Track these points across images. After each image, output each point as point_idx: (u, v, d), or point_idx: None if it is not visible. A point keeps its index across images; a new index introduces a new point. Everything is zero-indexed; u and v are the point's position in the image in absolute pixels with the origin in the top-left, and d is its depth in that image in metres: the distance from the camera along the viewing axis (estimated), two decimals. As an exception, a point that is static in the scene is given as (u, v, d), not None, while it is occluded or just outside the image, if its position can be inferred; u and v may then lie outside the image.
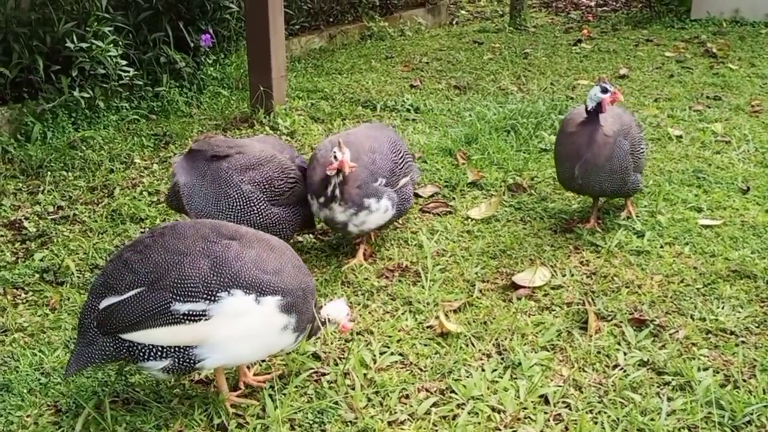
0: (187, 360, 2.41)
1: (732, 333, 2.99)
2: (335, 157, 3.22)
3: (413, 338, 2.98)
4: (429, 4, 9.59)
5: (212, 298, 2.36)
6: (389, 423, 2.53)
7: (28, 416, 2.57)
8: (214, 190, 3.27)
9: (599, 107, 3.58)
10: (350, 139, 3.45)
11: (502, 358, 2.86)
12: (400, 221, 3.99)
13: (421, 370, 2.80)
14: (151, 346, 2.39)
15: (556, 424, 2.53)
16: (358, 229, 3.42)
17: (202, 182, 3.28)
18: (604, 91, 3.56)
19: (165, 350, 2.39)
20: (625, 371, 2.78)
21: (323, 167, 3.33)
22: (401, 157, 3.60)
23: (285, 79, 5.72)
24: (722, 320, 3.06)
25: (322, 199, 3.35)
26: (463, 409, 2.58)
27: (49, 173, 4.54)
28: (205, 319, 2.36)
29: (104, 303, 2.41)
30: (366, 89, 6.36)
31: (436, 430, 2.51)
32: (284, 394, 2.63)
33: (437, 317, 3.06)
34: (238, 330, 2.41)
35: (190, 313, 2.35)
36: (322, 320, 2.68)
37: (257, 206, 3.31)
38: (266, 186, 3.35)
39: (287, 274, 2.49)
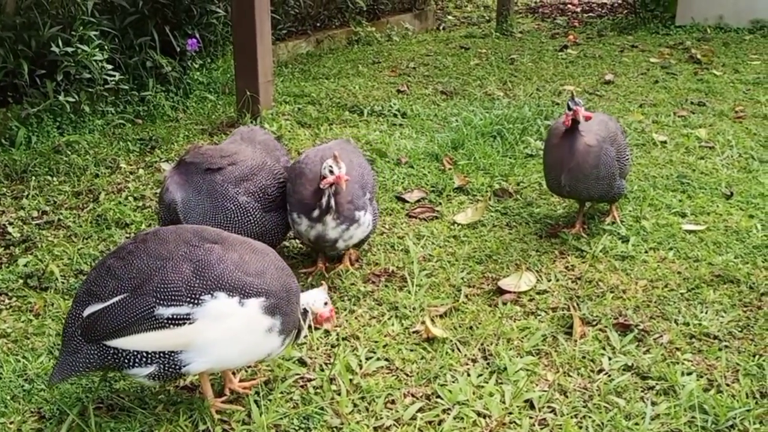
0: (173, 365, 2.41)
1: (715, 338, 3.02)
2: (331, 171, 3.18)
3: (399, 343, 2.99)
4: (416, 9, 9.62)
5: (195, 301, 2.36)
6: (375, 428, 2.53)
7: (11, 423, 2.56)
8: (211, 204, 3.26)
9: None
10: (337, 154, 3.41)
11: (488, 363, 2.86)
12: (386, 227, 4.00)
13: (407, 375, 2.80)
14: (136, 353, 2.38)
15: (542, 428, 2.54)
16: (345, 244, 3.39)
17: (198, 197, 3.27)
18: (569, 108, 3.57)
19: (150, 356, 2.39)
20: (609, 376, 2.79)
21: (312, 183, 3.28)
22: (374, 175, 3.61)
23: (272, 83, 5.71)
24: (706, 325, 3.08)
25: (315, 213, 3.25)
26: (448, 414, 2.58)
27: (33, 178, 4.51)
28: (189, 323, 2.36)
29: (88, 310, 2.40)
30: (353, 94, 6.37)
31: (421, 435, 2.51)
32: (270, 400, 2.62)
33: (423, 322, 3.07)
34: (223, 333, 2.40)
35: (174, 317, 2.35)
36: (302, 310, 2.63)
37: (253, 216, 3.32)
38: (260, 195, 3.37)
39: (270, 276, 2.49)
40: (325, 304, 2.71)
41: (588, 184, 3.68)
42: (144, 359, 2.39)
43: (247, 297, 2.42)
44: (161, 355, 2.39)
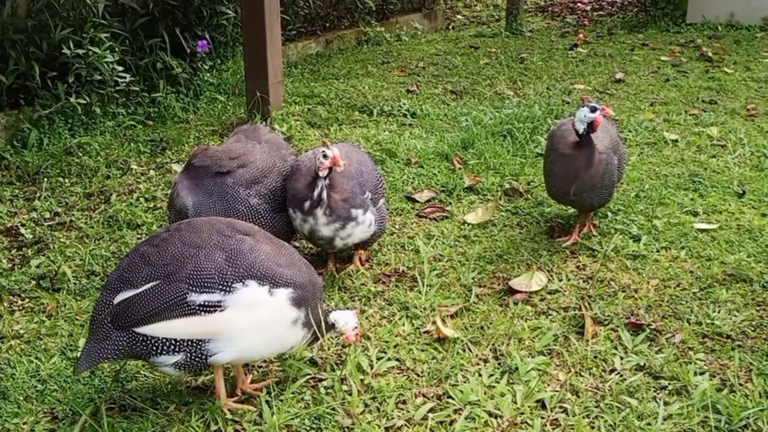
0: (200, 354, 2.44)
1: (728, 337, 3.00)
2: (324, 155, 3.18)
3: (410, 343, 2.98)
4: (425, 9, 9.61)
5: (227, 288, 2.41)
6: (386, 429, 2.53)
7: (24, 423, 2.57)
8: (222, 207, 3.26)
9: (591, 127, 3.49)
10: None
11: (499, 363, 2.86)
12: (396, 227, 4.00)
13: (418, 375, 2.80)
14: (164, 340, 2.41)
15: (553, 429, 2.53)
16: (343, 243, 3.36)
17: (210, 200, 3.27)
18: (593, 110, 3.45)
19: (178, 344, 2.42)
20: (621, 375, 2.78)
21: (306, 176, 3.28)
22: (380, 176, 3.60)
23: (281, 84, 5.72)
24: (718, 324, 3.06)
25: (307, 204, 3.24)
26: (460, 414, 2.58)
27: (45, 179, 4.54)
28: (220, 310, 2.41)
29: (119, 297, 2.43)
30: (362, 94, 6.37)
31: (433, 435, 2.51)
32: (281, 400, 2.63)
33: (434, 322, 3.07)
34: (252, 321, 2.45)
35: (206, 304, 2.39)
36: (330, 323, 2.72)
37: (265, 217, 3.34)
38: (271, 197, 3.39)
39: (298, 268, 2.57)
40: (354, 328, 2.80)
41: (593, 194, 3.62)
42: (172, 347, 2.41)
43: (277, 287, 2.47)
44: (189, 343, 2.42)
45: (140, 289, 2.42)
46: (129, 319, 2.41)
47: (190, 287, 2.39)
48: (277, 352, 2.62)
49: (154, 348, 2.42)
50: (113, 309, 2.43)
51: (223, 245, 2.47)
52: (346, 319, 2.76)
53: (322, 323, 2.66)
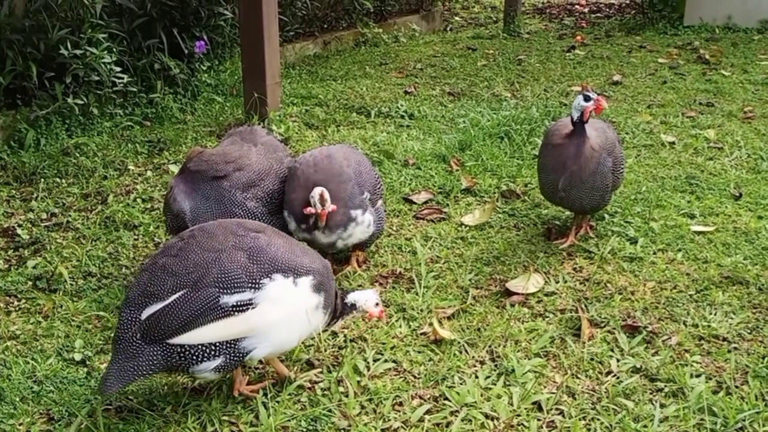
0: (238, 353, 2.47)
1: (724, 339, 3.00)
2: (315, 203, 3.19)
3: (407, 345, 2.99)
4: (423, 10, 9.62)
5: (256, 285, 2.46)
6: (383, 430, 2.53)
7: (20, 425, 2.57)
8: (219, 211, 3.26)
9: (582, 116, 3.51)
10: (332, 152, 3.44)
11: (496, 365, 2.86)
12: (393, 228, 4.00)
13: (414, 377, 2.80)
14: (202, 347, 2.42)
15: (550, 431, 2.53)
16: (344, 243, 3.39)
17: (207, 204, 3.28)
18: (587, 99, 3.47)
19: (216, 348, 2.44)
20: (618, 378, 2.78)
21: (302, 190, 3.28)
22: (378, 177, 3.60)
23: (279, 85, 5.72)
24: (715, 327, 3.07)
25: (303, 226, 3.29)
26: (456, 416, 2.58)
27: (42, 180, 4.54)
28: (253, 308, 2.45)
29: (147, 312, 2.41)
30: (360, 96, 6.37)
31: (429, 437, 2.51)
32: (278, 402, 2.63)
33: (431, 324, 3.07)
34: (283, 313, 2.50)
35: (239, 303, 2.43)
36: (350, 304, 2.77)
37: (262, 220, 3.34)
38: (268, 200, 3.40)
39: (311, 255, 2.65)
40: (377, 304, 2.84)
41: (582, 193, 3.59)
42: (211, 352, 2.43)
43: (299, 276, 2.54)
44: (226, 345, 2.45)
45: (168, 301, 2.40)
46: (162, 332, 2.39)
47: (221, 290, 2.41)
48: (305, 337, 2.67)
49: (194, 357, 2.42)
50: (142, 324, 2.41)
51: (241, 245, 2.50)
52: (366, 298, 2.81)
53: (339, 304, 2.73)
